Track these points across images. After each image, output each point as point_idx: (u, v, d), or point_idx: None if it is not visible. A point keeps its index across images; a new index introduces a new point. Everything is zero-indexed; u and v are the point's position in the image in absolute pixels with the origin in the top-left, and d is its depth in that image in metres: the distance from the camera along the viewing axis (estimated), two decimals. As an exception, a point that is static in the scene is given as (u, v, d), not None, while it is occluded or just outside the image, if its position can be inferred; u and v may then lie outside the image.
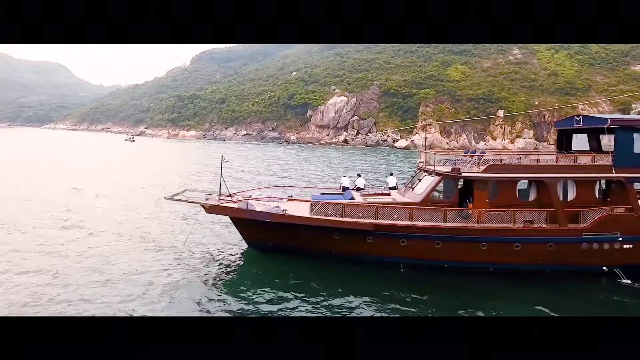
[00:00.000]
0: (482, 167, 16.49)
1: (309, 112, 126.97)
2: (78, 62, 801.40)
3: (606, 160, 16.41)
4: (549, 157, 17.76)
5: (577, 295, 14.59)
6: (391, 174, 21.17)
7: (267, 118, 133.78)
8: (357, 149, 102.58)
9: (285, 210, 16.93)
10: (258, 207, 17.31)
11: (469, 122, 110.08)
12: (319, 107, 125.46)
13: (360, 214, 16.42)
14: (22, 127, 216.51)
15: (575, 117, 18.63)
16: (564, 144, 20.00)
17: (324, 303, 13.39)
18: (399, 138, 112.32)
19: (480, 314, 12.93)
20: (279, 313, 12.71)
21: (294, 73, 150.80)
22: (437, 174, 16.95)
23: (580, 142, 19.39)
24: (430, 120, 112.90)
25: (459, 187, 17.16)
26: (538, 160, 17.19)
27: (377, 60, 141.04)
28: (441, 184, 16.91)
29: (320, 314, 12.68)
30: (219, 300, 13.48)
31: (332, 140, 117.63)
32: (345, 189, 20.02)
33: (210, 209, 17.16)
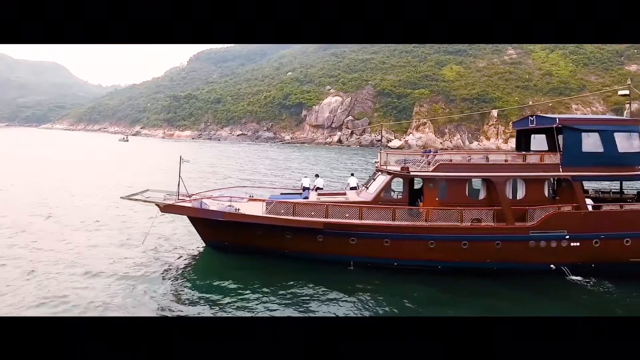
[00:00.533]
0: (433, 167, 16.62)
1: (304, 112, 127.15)
2: (77, 63, 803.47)
3: (555, 159, 16.53)
4: (499, 156, 17.90)
5: (523, 293, 14.70)
6: (352, 175, 21.31)
7: (262, 118, 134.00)
8: (351, 149, 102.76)
9: (239, 209, 17.08)
10: (213, 206, 17.46)
11: (463, 122, 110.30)
12: (314, 107, 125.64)
13: (312, 213, 16.56)
14: (20, 127, 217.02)
15: (530, 118, 18.74)
16: (522, 144, 20.11)
17: (272, 302, 13.46)
18: (393, 138, 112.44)
19: (427, 313, 12.94)
20: (229, 313, 12.72)
21: (290, 73, 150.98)
22: (388, 173, 17.09)
23: (539, 142, 19.50)
24: (425, 120, 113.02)
25: (416, 186, 17.32)
26: (488, 160, 17.32)
27: (373, 60, 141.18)
28: (392, 183, 17.06)
29: (267, 314, 12.75)
30: (173, 300, 13.56)
31: (327, 140, 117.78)
32: (305, 189, 20.18)
33: (165, 209, 17.30)
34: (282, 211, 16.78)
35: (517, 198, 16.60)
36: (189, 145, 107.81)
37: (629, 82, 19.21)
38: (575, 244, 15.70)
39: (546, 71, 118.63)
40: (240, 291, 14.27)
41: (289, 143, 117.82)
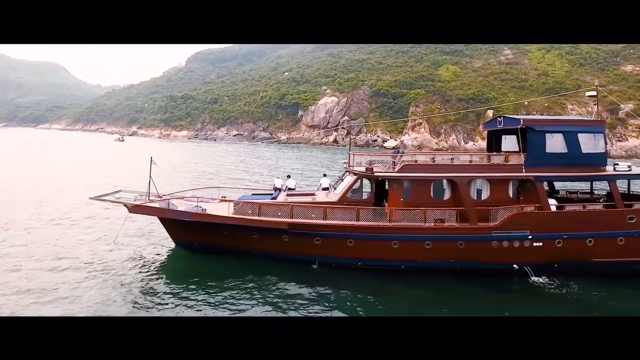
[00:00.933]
0: (398, 167, 16.72)
1: (300, 112, 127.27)
2: (76, 63, 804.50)
3: (519, 160, 16.62)
4: (464, 157, 18.01)
5: (484, 291, 14.80)
6: (324, 175, 21.39)
7: (258, 118, 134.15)
8: (346, 149, 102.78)
9: (205, 210, 17.19)
10: (180, 207, 17.57)
11: (459, 122, 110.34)
12: (310, 107, 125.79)
13: (279, 213, 16.66)
14: (18, 127, 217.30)
15: (498, 119, 18.84)
16: (493, 144, 20.20)
17: (234, 301, 13.59)
18: (389, 138, 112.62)
19: (392, 313, 13.05)
20: (195, 312, 12.82)
21: (286, 73, 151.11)
22: (355, 173, 17.20)
23: (509, 142, 19.57)
24: (421, 120, 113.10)
25: (385, 187, 17.42)
26: (452, 160, 17.41)
27: (369, 60, 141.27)
28: (357, 184, 17.17)
29: (232, 314, 12.82)
30: (139, 299, 13.65)
31: (323, 140, 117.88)
32: (277, 189, 20.29)
33: (133, 209, 17.41)
34: (249, 212, 16.91)
35: (482, 198, 16.71)
36: (184, 145, 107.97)
37: (596, 83, 19.29)
38: (537, 244, 15.79)
39: (542, 71, 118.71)
40: (207, 290, 14.40)
41: (285, 143, 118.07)
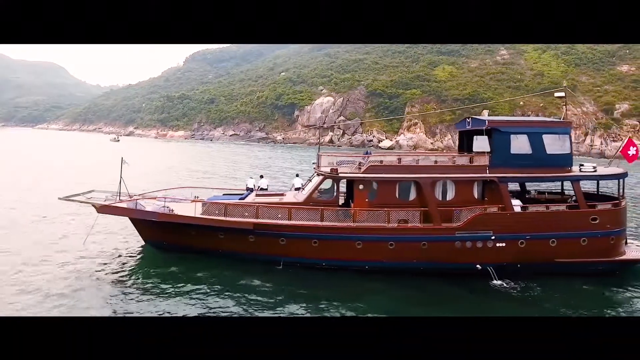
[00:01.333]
0: (363, 168, 16.80)
1: (296, 113, 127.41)
2: (76, 63, 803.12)
3: (483, 161, 16.70)
4: (434, 158, 18.10)
5: (445, 292, 14.91)
6: (297, 175, 21.49)
7: (254, 118, 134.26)
8: (342, 149, 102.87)
9: (172, 210, 17.29)
10: (149, 207, 17.67)
11: (454, 122, 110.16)
12: (306, 107, 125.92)
13: (245, 214, 16.75)
14: (16, 127, 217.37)
15: (467, 120, 18.92)
16: (464, 144, 20.26)
17: (202, 299, 13.79)
18: (384, 138, 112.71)
19: (351, 313, 13.13)
20: (161, 312, 12.95)
21: (283, 73, 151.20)
22: (320, 174, 17.29)
23: (481, 143, 19.64)
24: (416, 120, 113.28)
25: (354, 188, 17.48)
26: (418, 161, 17.50)
27: (365, 60, 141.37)
28: (328, 184, 17.26)
29: (197, 313, 12.93)
30: (107, 299, 13.78)
31: (319, 140, 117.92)
32: (249, 189, 20.38)
33: (101, 209, 17.49)
34: (216, 212, 17.01)
35: (448, 199, 16.77)
36: (180, 145, 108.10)
37: (564, 84, 19.37)
38: (500, 244, 15.86)
39: (538, 71, 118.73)
40: (173, 290, 14.56)
41: (281, 143, 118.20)
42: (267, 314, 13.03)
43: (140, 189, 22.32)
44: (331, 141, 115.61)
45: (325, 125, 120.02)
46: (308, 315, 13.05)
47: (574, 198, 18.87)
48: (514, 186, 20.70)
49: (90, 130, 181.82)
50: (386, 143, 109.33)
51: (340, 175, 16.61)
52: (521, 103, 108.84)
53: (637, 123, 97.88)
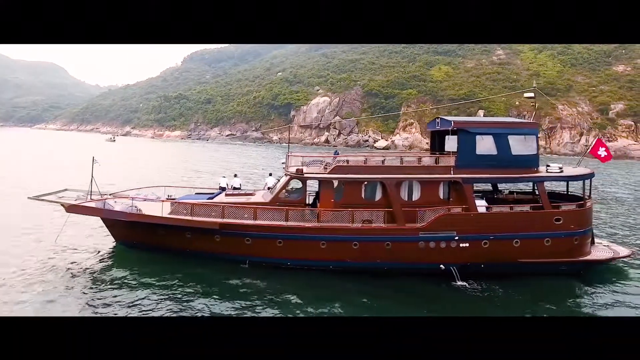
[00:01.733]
0: (329, 168, 16.87)
1: (292, 113, 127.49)
2: (75, 63, 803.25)
3: (449, 161, 16.75)
4: (405, 158, 18.17)
5: (408, 292, 14.98)
6: (270, 175, 21.56)
7: (251, 118, 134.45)
8: (340, 149, 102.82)
9: (140, 210, 17.38)
10: (118, 207, 17.76)
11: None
12: (302, 107, 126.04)
13: (212, 214, 16.84)
14: (14, 127, 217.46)
15: (437, 120, 18.99)
16: (436, 144, 20.31)
17: (168, 299, 13.92)
18: (380, 138, 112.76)
19: (316, 313, 13.16)
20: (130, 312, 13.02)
21: (280, 73, 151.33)
22: (287, 174, 17.37)
23: (453, 143, 19.71)
24: (412, 120, 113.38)
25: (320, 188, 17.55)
26: (383, 162, 17.56)
27: (362, 60, 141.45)
28: (292, 184, 17.33)
29: (156, 314, 12.99)
30: (76, 299, 13.85)
31: (314, 140, 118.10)
32: (222, 189, 20.45)
33: (70, 209, 17.56)
34: (184, 212, 17.10)
35: (414, 199, 16.82)
36: (175, 145, 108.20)
37: (534, 84, 19.41)
38: (464, 244, 15.91)
39: (533, 72, 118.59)
40: (140, 289, 14.68)
41: (277, 143, 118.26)
42: (232, 313, 13.12)
43: (122, 188, 22.41)
44: (327, 141, 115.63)
45: (320, 125, 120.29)
46: (307, 315, 13.09)
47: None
48: (487, 186, 20.80)
49: (87, 131, 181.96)
50: (382, 143, 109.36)
51: (306, 175, 16.67)
52: (517, 103, 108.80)
53: (632, 123, 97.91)
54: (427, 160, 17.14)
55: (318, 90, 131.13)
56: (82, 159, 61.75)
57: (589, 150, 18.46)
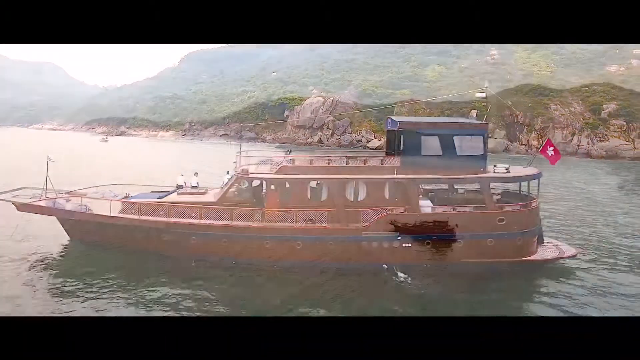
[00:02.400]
0: (276, 169, 17.00)
1: (286, 113, 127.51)
2: (74, 63, 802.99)
3: (394, 162, 16.86)
4: (356, 159, 18.30)
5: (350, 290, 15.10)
6: (227, 173, 21.70)
7: (245, 118, 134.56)
8: (330, 149, 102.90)
9: (90, 209, 17.53)
10: (68, 206, 17.90)
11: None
12: (296, 107, 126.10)
13: (160, 213, 16.99)
14: (11, 127, 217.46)
15: (389, 119, 19.10)
16: (393, 144, 20.35)
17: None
18: (373, 138, 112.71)
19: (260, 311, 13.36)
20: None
21: (274, 73, 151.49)
22: (235, 174, 17.50)
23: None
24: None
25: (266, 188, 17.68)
26: (329, 162, 17.67)
27: (356, 60, 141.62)
28: (242, 184, 17.47)
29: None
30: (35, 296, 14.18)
31: (307, 140, 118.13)
32: (179, 187, 20.59)
33: (21, 208, 17.75)
34: (133, 211, 17.25)
35: (359, 200, 16.94)
36: (167, 145, 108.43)
37: (486, 85, 19.50)
38: (406, 244, 16.03)
39: (527, 72, 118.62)
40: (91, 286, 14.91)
41: (270, 143, 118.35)
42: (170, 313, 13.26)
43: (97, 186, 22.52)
44: (320, 141, 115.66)
45: (314, 125, 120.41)
46: (304, 315, 13.25)
47: (496, 198, 19.07)
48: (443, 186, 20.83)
49: (84, 131, 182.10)
50: (375, 143, 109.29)
51: (251, 175, 16.81)
52: (509, 103, 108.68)
53: (624, 123, 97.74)
54: (373, 161, 17.23)
55: (312, 90, 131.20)
56: (69, 160, 62.03)
57: (540, 149, 18.54)
